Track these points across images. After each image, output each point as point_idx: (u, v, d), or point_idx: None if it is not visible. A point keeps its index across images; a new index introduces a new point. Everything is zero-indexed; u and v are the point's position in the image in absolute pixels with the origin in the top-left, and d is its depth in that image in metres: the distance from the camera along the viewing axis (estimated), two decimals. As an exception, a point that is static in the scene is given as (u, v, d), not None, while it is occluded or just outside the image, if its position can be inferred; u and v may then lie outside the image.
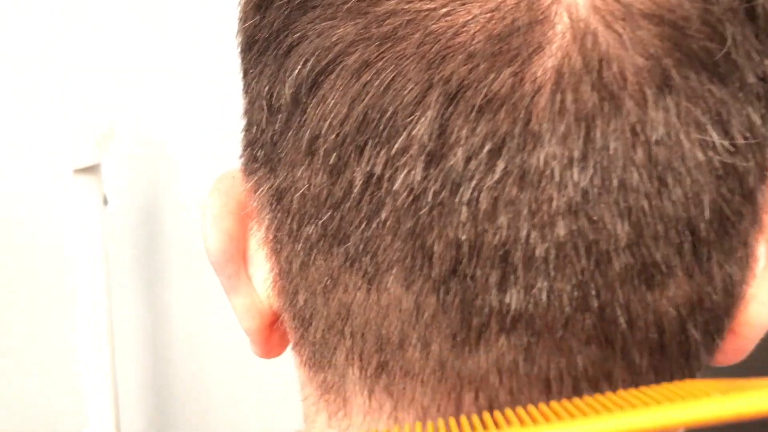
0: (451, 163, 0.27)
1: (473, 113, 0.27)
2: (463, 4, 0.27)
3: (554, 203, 0.27)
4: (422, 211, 0.27)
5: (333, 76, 0.28)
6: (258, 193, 0.32)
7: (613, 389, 0.29)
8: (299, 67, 0.29)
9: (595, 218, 0.27)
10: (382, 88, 0.27)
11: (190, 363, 1.33)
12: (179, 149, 1.22)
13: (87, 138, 1.05)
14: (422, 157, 0.27)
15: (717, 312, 0.30)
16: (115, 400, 1.15)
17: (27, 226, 1.26)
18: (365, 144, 0.28)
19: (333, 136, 0.28)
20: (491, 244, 0.27)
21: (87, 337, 1.12)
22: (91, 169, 1.06)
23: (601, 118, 0.26)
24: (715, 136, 0.27)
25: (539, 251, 0.27)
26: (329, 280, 0.30)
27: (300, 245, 0.30)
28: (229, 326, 1.27)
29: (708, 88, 0.27)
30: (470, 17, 0.27)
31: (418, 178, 0.27)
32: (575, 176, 0.27)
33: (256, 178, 0.32)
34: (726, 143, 0.28)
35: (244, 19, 0.32)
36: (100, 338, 1.12)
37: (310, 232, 0.30)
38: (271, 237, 0.32)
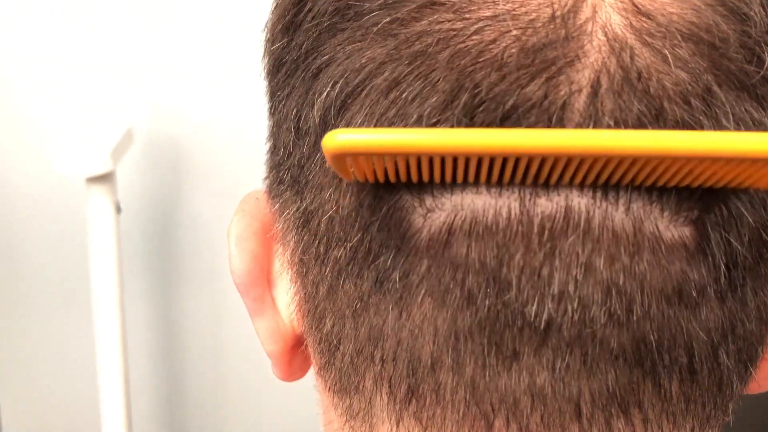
0: None
1: (502, 115, 0.26)
2: (496, 22, 0.26)
3: None
4: None
5: (362, 96, 0.28)
6: (284, 215, 0.32)
7: (644, 415, 0.29)
8: (328, 89, 0.28)
9: None
10: (409, 99, 0.27)
11: (203, 370, 1.32)
12: (193, 157, 1.22)
13: (100, 146, 1.05)
14: None
15: (750, 340, 0.30)
16: (128, 408, 1.15)
17: (42, 234, 1.26)
18: None
19: None
20: None
21: (100, 344, 1.12)
22: (105, 178, 1.06)
23: (647, 124, 0.26)
24: None
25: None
26: (359, 304, 0.29)
27: (327, 269, 0.30)
28: (241, 334, 1.26)
29: (746, 109, 0.27)
30: (502, 33, 0.26)
31: None
32: None
33: (281, 201, 0.32)
34: None
35: (271, 41, 0.31)
36: (114, 345, 1.12)
37: (338, 255, 0.29)
38: (296, 260, 0.32)
